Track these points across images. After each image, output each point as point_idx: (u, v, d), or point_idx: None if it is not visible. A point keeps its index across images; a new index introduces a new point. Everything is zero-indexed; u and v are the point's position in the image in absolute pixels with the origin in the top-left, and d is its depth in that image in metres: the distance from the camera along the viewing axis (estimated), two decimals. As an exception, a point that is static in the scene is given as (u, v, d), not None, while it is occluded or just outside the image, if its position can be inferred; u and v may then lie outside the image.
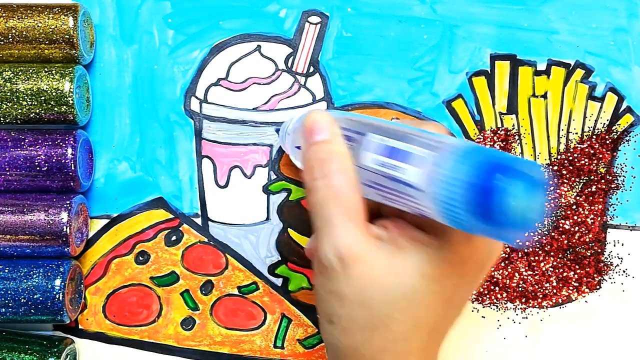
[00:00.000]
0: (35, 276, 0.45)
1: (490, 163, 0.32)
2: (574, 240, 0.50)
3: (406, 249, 0.36)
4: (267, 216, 0.50)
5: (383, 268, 0.36)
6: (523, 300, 0.50)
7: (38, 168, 0.45)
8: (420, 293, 0.36)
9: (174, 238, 0.50)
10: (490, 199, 0.31)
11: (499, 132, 0.50)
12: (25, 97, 0.45)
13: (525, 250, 0.50)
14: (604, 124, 0.50)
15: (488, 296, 0.50)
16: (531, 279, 0.50)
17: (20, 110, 0.45)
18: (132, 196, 0.49)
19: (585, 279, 0.50)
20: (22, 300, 0.45)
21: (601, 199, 0.50)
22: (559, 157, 0.50)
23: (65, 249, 0.45)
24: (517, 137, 0.50)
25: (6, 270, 0.45)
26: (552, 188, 0.32)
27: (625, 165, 0.50)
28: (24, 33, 0.45)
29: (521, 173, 0.31)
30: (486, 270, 0.39)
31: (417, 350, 0.37)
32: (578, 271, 0.50)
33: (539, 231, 0.32)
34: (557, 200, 0.50)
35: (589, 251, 0.50)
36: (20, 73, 0.45)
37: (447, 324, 0.39)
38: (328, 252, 0.36)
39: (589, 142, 0.50)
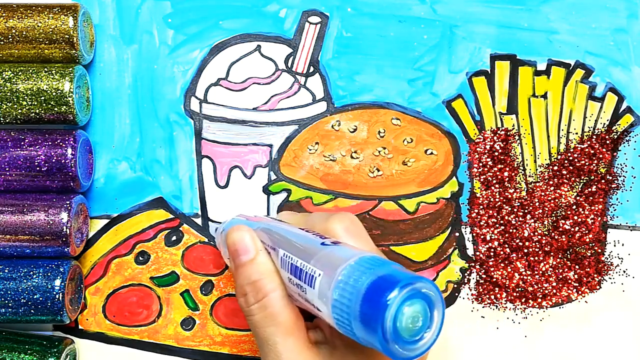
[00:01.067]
0: (35, 276, 0.45)
1: (374, 283, 0.32)
2: (574, 240, 0.50)
3: (341, 349, 0.38)
4: (267, 216, 0.50)
5: None
6: (523, 300, 0.50)
7: (38, 168, 0.45)
8: None
9: (174, 238, 0.50)
10: (375, 321, 0.31)
11: (499, 132, 0.50)
12: (25, 97, 0.45)
13: (525, 250, 0.50)
14: (604, 124, 0.50)
15: (488, 296, 0.50)
16: (531, 279, 0.50)
17: (20, 110, 0.45)
18: (132, 196, 0.49)
19: (585, 279, 0.50)
20: (22, 300, 0.45)
21: (601, 199, 0.50)
22: (559, 157, 0.50)
23: (65, 249, 0.45)
24: (517, 137, 0.50)
25: (6, 270, 0.45)
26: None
27: (626, 165, 0.50)
28: (24, 33, 0.45)
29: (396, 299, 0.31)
30: None
31: None
32: (578, 271, 0.50)
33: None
34: (557, 200, 0.50)
35: (589, 251, 0.50)
36: (20, 73, 0.45)
37: None
38: None
39: (589, 142, 0.50)
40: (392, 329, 0.31)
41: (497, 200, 0.50)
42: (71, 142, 0.45)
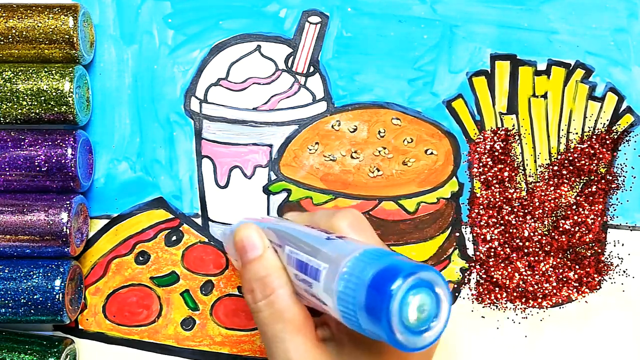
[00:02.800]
0: (35, 276, 0.45)
1: (378, 274, 0.32)
2: (574, 240, 0.50)
3: (348, 346, 0.38)
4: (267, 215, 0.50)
5: None
6: (523, 300, 0.50)
7: (38, 168, 0.45)
8: None
9: (174, 238, 0.50)
10: (381, 311, 0.31)
11: (499, 132, 0.50)
12: (25, 97, 0.45)
13: (526, 250, 0.50)
14: (604, 124, 0.50)
15: (488, 296, 0.50)
16: (531, 279, 0.50)
17: (20, 110, 0.45)
18: (132, 196, 0.49)
19: (585, 279, 0.50)
20: (22, 300, 0.45)
21: (601, 199, 0.50)
22: (559, 157, 0.50)
23: (65, 249, 0.45)
24: (517, 137, 0.50)
25: (6, 271, 0.45)
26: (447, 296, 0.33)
27: (626, 165, 0.50)
28: (24, 33, 0.45)
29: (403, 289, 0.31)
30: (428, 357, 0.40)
31: None
32: (578, 271, 0.50)
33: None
34: (557, 200, 0.50)
35: (589, 251, 0.50)
36: (20, 73, 0.45)
37: None
38: None
39: (589, 142, 0.50)
40: (398, 319, 0.31)
41: (497, 200, 0.50)
42: (71, 142, 0.45)
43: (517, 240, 0.50)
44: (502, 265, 0.50)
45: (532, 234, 0.50)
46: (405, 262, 0.32)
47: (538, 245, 0.50)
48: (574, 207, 0.50)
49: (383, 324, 0.31)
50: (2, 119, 0.45)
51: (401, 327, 0.31)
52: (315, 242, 0.37)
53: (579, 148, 0.50)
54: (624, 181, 0.51)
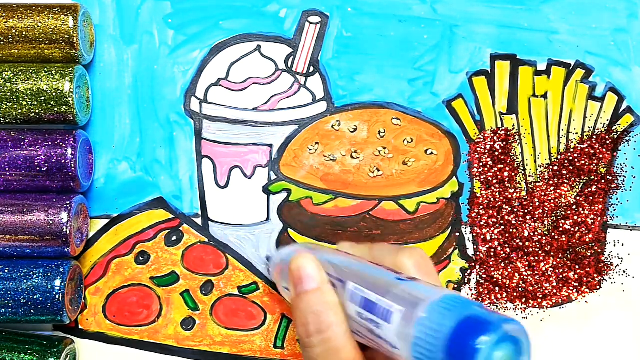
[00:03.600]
0: (35, 276, 0.45)
1: (462, 324, 0.31)
2: (574, 240, 0.50)
3: None
4: (267, 216, 0.50)
5: None
6: (523, 300, 0.50)
7: (38, 168, 0.45)
8: None
9: (174, 238, 0.50)
10: None
11: (499, 132, 0.50)
12: (25, 97, 0.45)
13: (526, 250, 0.50)
14: (604, 124, 0.50)
15: (488, 296, 0.50)
16: (531, 279, 0.50)
17: (20, 110, 0.45)
18: (132, 196, 0.49)
19: (585, 279, 0.50)
20: (22, 300, 0.45)
21: (601, 199, 0.50)
22: (559, 157, 0.50)
23: (65, 249, 0.45)
24: (517, 137, 0.50)
25: (6, 271, 0.45)
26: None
27: (626, 165, 0.50)
28: (24, 33, 0.45)
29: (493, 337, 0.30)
30: None
31: None
32: (578, 271, 0.50)
33: None
34: (557, 200, 0.50)
35: (589, 251, 0.50)
36: (20, 73, 0.45)
37: None
38: None
39: (589, 142, 0.50)
40: None
41: (497, 200, 0.50)
42: (71, 142, 0.45)
43: (517, 240, 0.50)
44: (502, 265, 0.50)
45: (532, 234, 0.50)
46: (489, 314, 0.31)
47: (538, 245, 0.50)
48: (574, 207, 0.50)
49: None
50: (2, 119, 0.45)
51: None
52: (385, 282, 0.36)
53: (579, 148, 0.50)
54: (624, 181, 0.51)
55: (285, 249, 0.45)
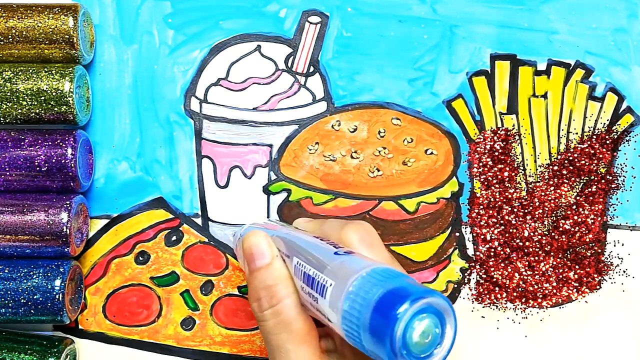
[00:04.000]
0: (35, 276, 0.45)
1: (385, 295, 0.32)
2: (574, 240, 0.50)
3: (350, 359, 0.38)
4: (267, 216, 0.50)
5: None
6: (523, 300, 0.50)
7: (38, 168, 0.45)
8: None
9: (174, 238, 0.50)
10: (384, 334, 0.31)
11: (499, 132, 0.50)
12: (25, 97, 0.45)
13: (526, 250, 0.50)
14: (604, 124, 0.50)
15: (488, 296, 0.50)
16: (531, 279, 0.50)
17: (20, 110, 0.45)
18: (132, 196, 0.49)
19: (585, 279, 0.50)
20: (22, 300, 0.45)
21: (601, 199, 0.50)
22: (559, 157, 0.50)
23: (65, 249, 0.45)
24: (517, 137, 0.50)
25: (6, 271, 0.45)
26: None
27: (626, 165, 0.50)
28: (24, 33, 0.45)
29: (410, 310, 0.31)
30: None
31: None
32: (578, 271, 0.50)
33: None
34: (557, 200, 0.50)
35: (589, 251, 0.50)
36: (20, 73, 0.45)
37: None
38: None
39: (589, 142, 0.50)
40: (401, 343, 0.31)
41: (497, 200, 0.50)
42: (71, 142, 0.45)
43: (517, 240, 0.50)
44: (502, 265, 0.50)
45: (532, 234, 0.50)
46: (413, 286, 0.32)
47: (538, 245, 0.50)
48: (574, 207, 0.50)
49: (386, 347, 0.31)
50: (2, 119, 0.45)
51: (404, 351, 0.31)
52: (323, 257, 0.37)
53: (579, 148, 0.50)
54: (624, 181, 0.51)
55: (244, 228, 0.46)
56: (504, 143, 0.50)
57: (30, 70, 0.45)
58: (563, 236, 0.50)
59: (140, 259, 0.49)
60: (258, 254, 0.40)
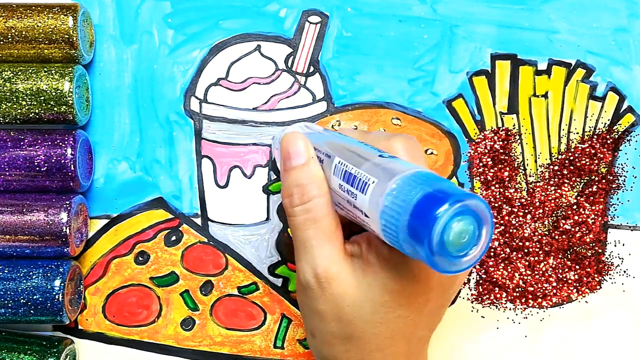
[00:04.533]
0: (34, 277, 0.45)
1: (426, 196, 0.32)
2: (575, 240, 0.50)
3: (375, 266, 0.38)
4: (267, 216, 0.50)
5: (355, 286, 0.39)
6: (523, 300, 0.50)
7: (37, 168, 0.45)
8: (389, 307, 0.38)
9: (173, 238, 0.50)
10: (423, 232, 0.32)
11: (499, 132, 0.50)
12: (25, 97, 0.45)
13: (526, 250, 0.50)
14: (605, 123, 0.50)
15: (488, 296, 0.50)
16: (531, 279, 0.50)
17: (20, 110, 0.45)
18: (132, 196, 0.49)
19: (585, 279, 0.50)
20: (22, 300, 0.45)
21: (602, 199, 0.50)
22: (559, 157, 0.50)
23: (65, 249, 0.45)
24: (517, 137, 0.50)
25: (6, 271, 0.45)
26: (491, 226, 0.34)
27: (626, 165, 0.50)
28: (24, 33, 0.45)
29: (456, 207, 0.32)
30: (453, 286, 0.40)
31: (395, 358, 0.39)
32: (578, 271, 0.50)
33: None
34: (557, 200, 0.50)
35: (590, 251, 0.50)
36: (19, 73, 0.45)
37: (426, 331, 0.41)
38: (306, 272, 0.39)
39: (590, 142, 0.50)
40: (439, 242, 0.32)
41: (497, 200, 0.50)
42: (71, 142, 0.45)
43: (517, 240, 0.50)
44: (502, 265, 0.50)
45: (532, 234, 0.50)
46: (454, 188, 0.33)
47: (538, 245, 0.50)
48: (575, 207, 0.50)
49: (424, 245, 0.32)
50: (1, 119, 0.45)
51: (441, 250, 0.32)
52: (368, 157, 0.37)
53: (579, 148, 0.50)
54: (624, 181, 0.50)
55: (286, 129, 0.46)
56: (504, 143, 0.50)
57: (30, 70, 0.45)
58: (563, 236, 0.50)
59: (140, 259, 0.49)
60: (294, 153, 0.41)
